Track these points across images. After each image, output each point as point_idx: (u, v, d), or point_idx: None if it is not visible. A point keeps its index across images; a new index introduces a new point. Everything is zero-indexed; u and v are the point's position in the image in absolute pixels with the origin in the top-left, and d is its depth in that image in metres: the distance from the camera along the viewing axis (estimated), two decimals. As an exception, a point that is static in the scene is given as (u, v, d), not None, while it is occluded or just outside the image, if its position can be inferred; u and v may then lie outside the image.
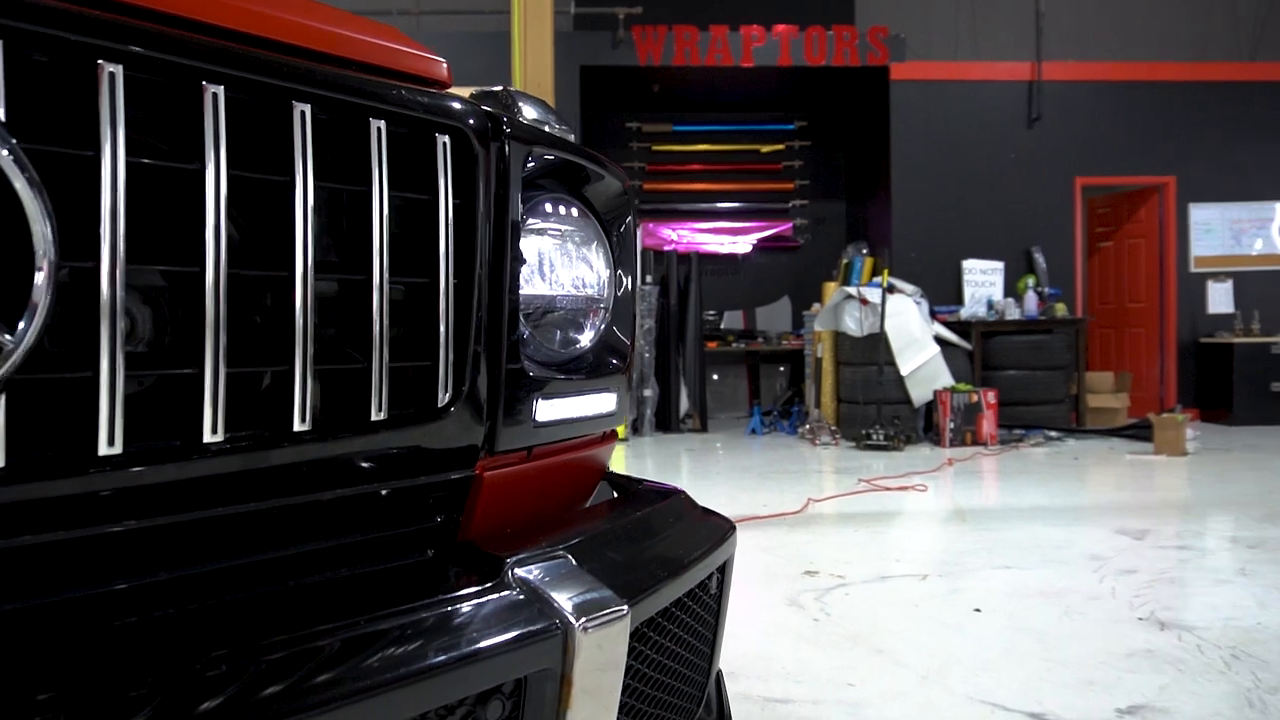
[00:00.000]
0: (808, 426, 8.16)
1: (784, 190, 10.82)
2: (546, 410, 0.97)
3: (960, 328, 8.38)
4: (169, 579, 0.69)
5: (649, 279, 8.86)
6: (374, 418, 0.79)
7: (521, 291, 0.96)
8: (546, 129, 1.06)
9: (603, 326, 1.12)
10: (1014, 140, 9.30)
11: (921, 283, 8.55)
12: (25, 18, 0.58)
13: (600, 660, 0.78)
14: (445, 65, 0.95)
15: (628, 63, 9.02)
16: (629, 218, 1.17)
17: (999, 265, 9.12)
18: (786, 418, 9.11)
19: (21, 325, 0.57)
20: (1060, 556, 3.72)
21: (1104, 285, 10.31)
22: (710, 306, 10.00)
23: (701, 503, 1.20)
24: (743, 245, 10.76)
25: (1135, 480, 5.79)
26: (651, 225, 10.34)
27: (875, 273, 8.93)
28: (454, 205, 0.85)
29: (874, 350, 7.63)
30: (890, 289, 7.73)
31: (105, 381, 0.62)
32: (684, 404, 8.87)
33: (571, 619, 0.77)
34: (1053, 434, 7.78)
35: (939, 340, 7.92)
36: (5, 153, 0.56)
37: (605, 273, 1.12)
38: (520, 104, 1.11)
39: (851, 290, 7.96)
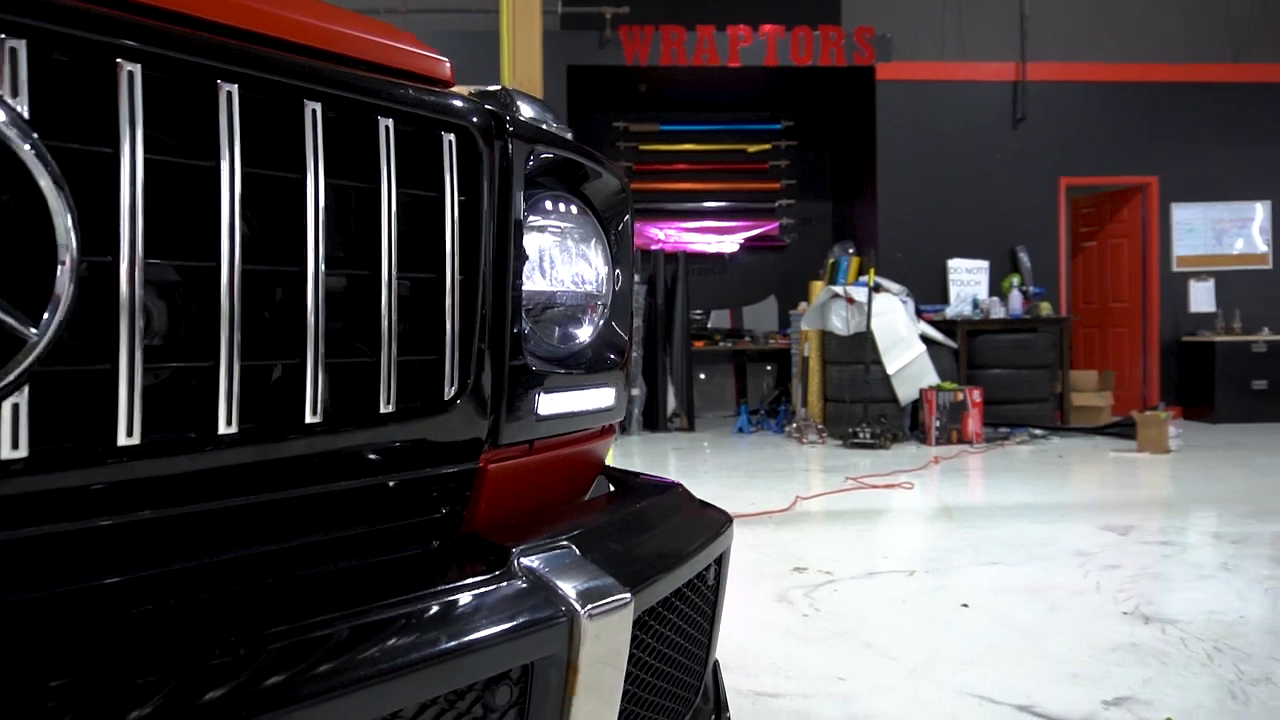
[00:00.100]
0: (795, 425, 8.20)
1: (770, 190, 10.86)
2: (548, 404, 0.99)
3: (946, 327, 8.44)
4: (184, 568, 0.70)
5: (636, 278, 8.87)
6: (382, 410, 0.80)
7: (523, 287, 0.98)
8: (545, 127, 1.08)
9: (601, 322, 1.13)
10: (999, 140, 9.37)
11: (907, 282, 8.61)
12: (48, 18, 0.59)
13: (605, 647, 0.80)
14: (448, 64, 0.96)
15: (615, 62, 9.04)
16: (627, 216, 1.18)
17: (984, 265, 9.19)
18: (773, 417, 9.15)
19: (46, 316, 0.58)
20: (1046, 553, 3.76)
21: (1088, 284, 10.39)
22: (697, 306, 10.02)
23: (693, 499, 1.22)
24: (729, 245, 10.79)
25: (1119, 477, 5.85)
26: (638, 225, 10.35)
27: (861, 272, 8.98)
28: (459, 202, 0.86)
29: (860, 349, 7.67)
30: (876, 288, 7.78)
31: (124, 374, 0.63)
32: (671, 403, 8.90)
33: (577, 606, 0.78)
34: (1037, 432, 7.84)
35: (925, 339, 7.97)
36: (29, 148, 0.58)
37: (604, 269, 1.14)
38: (519, 103, 1.13)
39: (838, 289, 8.00)
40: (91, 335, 0.64)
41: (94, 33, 0.62)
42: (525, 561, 0.82)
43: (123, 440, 0.64)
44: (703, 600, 1.11)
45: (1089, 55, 9.56)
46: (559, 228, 1.08)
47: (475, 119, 0.89)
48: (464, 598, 0.74)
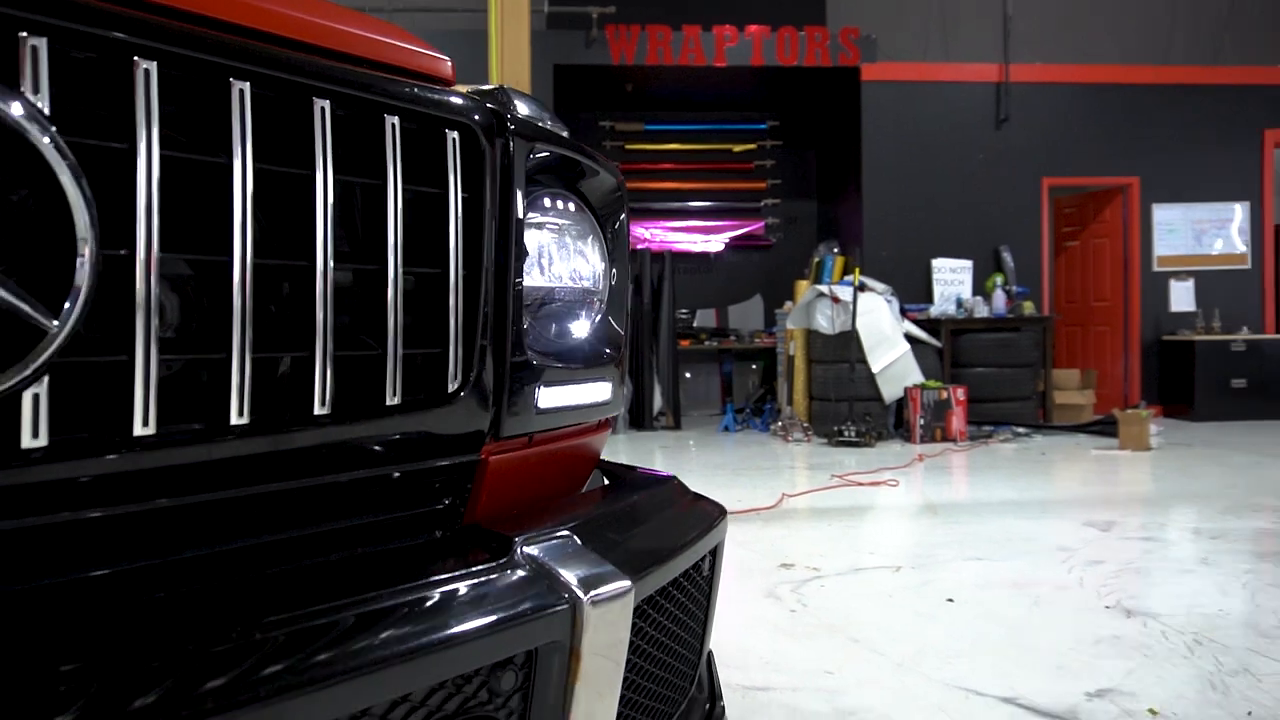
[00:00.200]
0: (780, 424, 8.24)
1: (756, 189, 10.91)
2: (547, 398, 1.00)
3: (930, 326, 8.50)
4: (197, 556, 0.71)
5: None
6: (389, 402, 0.82)
7: (523, 283, 0.99)
8: (542, 125, 1.10)
9: (598, 318, 1.15)
10: (983, 141, 9.44)
11: (892, 281, 8.67)
12: (68, 16, 0.61)
13: (606, 634, 0.82)
14: (449, 63, 0.98)
15: (601, 62, 9.05)
16: (622, 213, 1.20)
17: (968, 264, 9.25)
18: (759, 415, 9.19)
19: (66, 308, 0.60)
20: (1029, 548, 3.80)
21: (1070, 284, 10.49)
22: (683, 305, 10.06)
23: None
24: (715, 244, 10.83)
25: (1101, 474, 5.91)
26: (624, 224, 10.35)
27: (846, 271, 9.04)
28: (462, 199, 0.88)
29: (845, 348, 7.71)
30: (861, 287, 7.83)
31: (140, 365, 0.65)
32: (658, 402, 8.92)
33: (579, 594, 0.80)
34: (1021, 430, 7.90)
35: (909, 338, 8.03)
36: (49, 143, 0.59)
37: (600, 266, 1.16)
38: (515, 101, 1.15)
39: (823, 288, 8.05)
40: (107, 327, 0.65)
41: (111, 31, 0.63)
42: (528, 550, 0.84)
43: (139, 430, 0.65)
44: (698, 591, 1.13)
45: (1072, 57, 9.64)
46: (557, 224, 1.09)
47: (477, 117, 0.91)
48: (470, 585, 0.76)
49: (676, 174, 10.83)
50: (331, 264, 0.76)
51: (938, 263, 9.22)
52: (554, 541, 0.86)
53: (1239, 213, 9.65)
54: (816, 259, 9.57)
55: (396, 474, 0.86)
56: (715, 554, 1.16)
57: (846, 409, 7.60)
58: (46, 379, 0.61)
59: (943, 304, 9.02)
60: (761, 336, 10.11)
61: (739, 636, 2.71)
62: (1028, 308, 8.85)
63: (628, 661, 0.91)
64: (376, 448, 0.83)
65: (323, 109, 0.76)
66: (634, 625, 0.90)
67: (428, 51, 0.94)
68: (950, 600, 3.06)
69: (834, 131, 10.27)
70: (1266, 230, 9.70)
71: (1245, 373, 8.87)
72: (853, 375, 7.61)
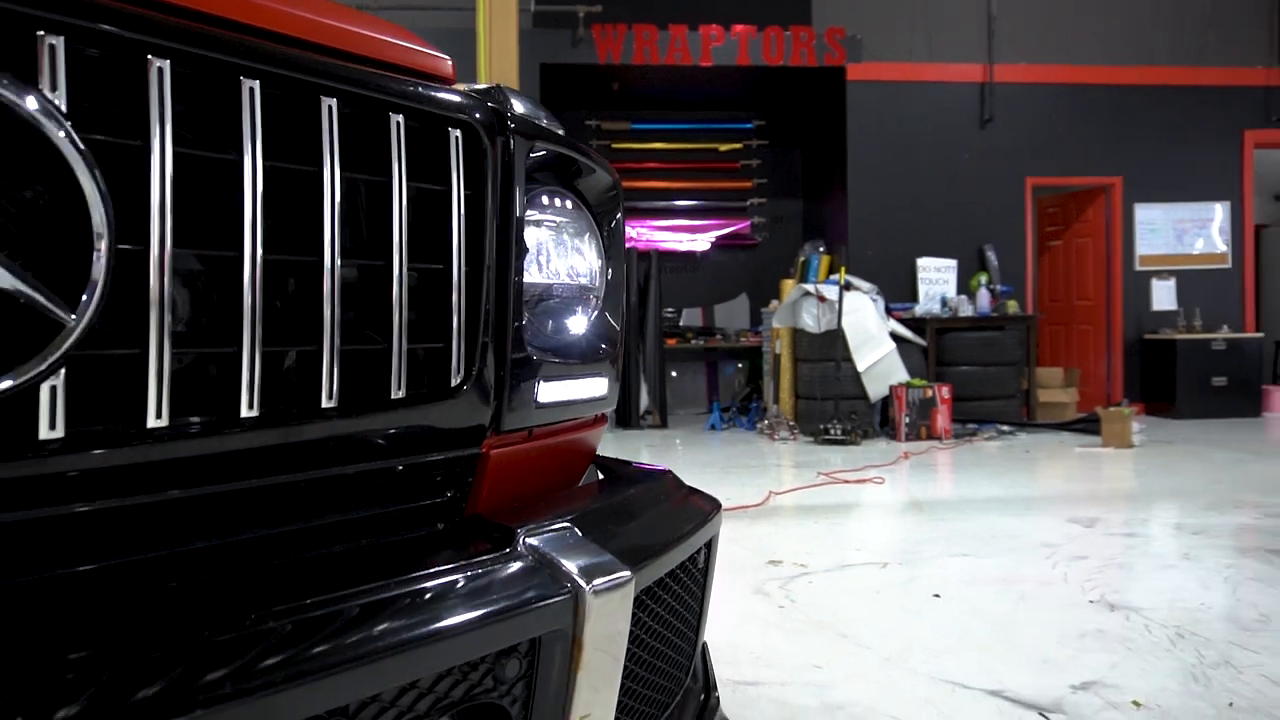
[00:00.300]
0: (766, 422, 8.27)
1: (742, 189, 10.94)
2: (546, 393, 1.02)
3: (915, 324, 8.55)
4: (206, 547, 0.73)
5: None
6: (394, 396, 0.83)
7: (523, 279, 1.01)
8: (540, 124, 1.11)
9: (595, 314, 1.17)
10: (967, 141, 9.50)
11: (877, 280, 8.72)
12: (84, 15, 0.62)
13: (607, 623, 0.84)
14: (450, 62, 0.99)
15: (587, 61, 9.06)
16: (618, 211, 1.22)
17: (952, 263, 9.31)
18: (745, 414, 9.22)
19: (84, 300, 0.61)
20: (1014, 545, 3.84)
21: (1053, 283, 10.57)
22: (669, 304, 10.08)
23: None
24: (701, 243, 10.85)
25: (1084, 472, 5.96)
26: (611, 223, 10.36)
27: (832, 270, 9.08)
28: (465, 196, 0.89)
29: (831, 347, 7.75)
30: (847, 286, 7.87)
31: (154, 358, 0.66)
32: (644, 400, 8.94)
33: (581, 583, 0.82)
34: (1005, 428, 7.96)
35: (895, 337, 8.07)
36: (66, 139, 0.60)
37: (597, 263, 1.17)
38: (512, 100, 1.16)
39: (809, 287, 8.08)
40: (120, 321, 0.66)
41: (126, 30, 0.64)
42: (530, 541, 0.85)
43: (152, 422, 0.66)
44: (694, 583, 1.14)
45: (1055, 57, 9.71)
46: (554, 222, 1.11)
47: (479, 115, 0.92)
48: (476, 575, 0.78)
49: (662, 173, 10.84)
50: (339, 260, 0.77)
51: (923, 262, 9.28)
52: (555, 533, 0.88)
53: (1220, 212, 9.75)
54: (802, 258, 9.61)
55: (400, 467, 0.87)
56: (710, 547, 1.18)
57: (832, 407, 7.64)
58: (63, 371, 0.62)
59: (928, 303, 9.08)
60: (747, 335, 10.14)
61: (728, 632, 2.73)
62: (1012, 307, 8.92)
63: (627, 651, 0.93)
64: (381, 441, 0.84)
65: (330, 107, 0.77)
66: (633, 615, 0.92)
67: (429, 51, 0.95)
68: (937, 596, 3.09)
69: (819, 131, 10.32)
70: (1247, 230, 9.80)
71: (1226, 371, 8.97)
72: (838, 374, 7.65)
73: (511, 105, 1.13)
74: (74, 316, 0.61)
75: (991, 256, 9.36)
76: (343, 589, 0.70)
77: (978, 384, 8.25)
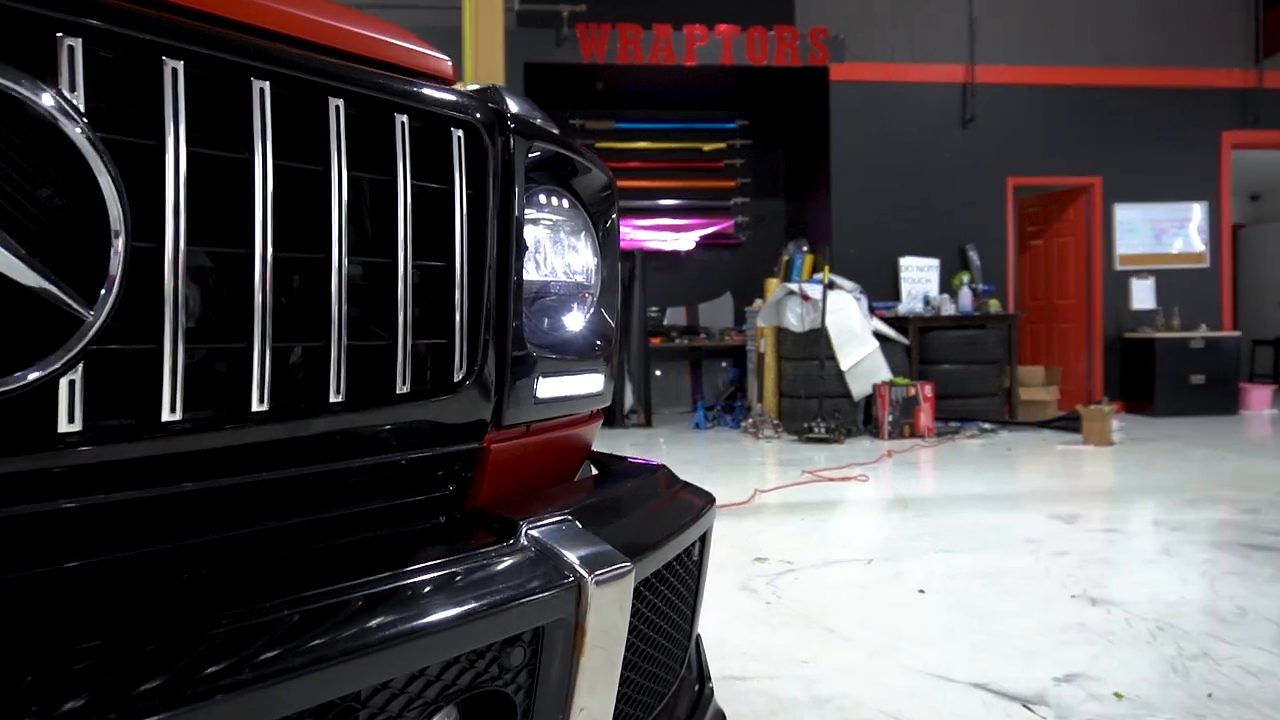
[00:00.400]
0: (750, 421, 8.30)
1: (726, 188, 10.97)
2: (545, 388, 1.04)
3: (898, 323, 8.61)
4: (217, 539, 0.74)
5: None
6: (398, 391, 0.85)
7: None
8: (538, 123, 1.13)
9: (591, 312, 1.19)
10: (949, 141, 9.57)
11: (860, 279, 8.77)
12: (102, 17, 0.63)
13: (608, 613, 0.86)
14: (450, 63, 1.01)
15: (571, 60, 9.07)
16: (613, 210, 1.24)
17: (935, 262, 9.38)
18: (729, 412, 9.25)
19: (102, 293, 0.62)
20: (997, 540, 3.88)
21: (1034, 282, 10.66)
22: (654, 303, 10.10)
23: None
24: (685, 242, 10.87)
25: (1066, 469, 6.03)
26: (595, 222, 10.36)
27: (815, 269, 9.13)
28: (467, 195, 0.91)
29: (815, 345, 7.79)
30: (831, 285, 7.91)
31: (169, 353, 0.67)
32: (629, 399, 8.96)
33: (583, 573, 0.84)
34: (987, 426, 8.03)
35: (878, 336, 8.13)
36: (84, 137, 0.62)
37: (593, 261, 1.19)
38: (507, 100, 1.18)
39: (793, 286, 8.12)
40: (134, 317, 0.67)
41: (141, 32, 0.66)
42: (532, 533, 0.87)
43: (167, 416, 0.68)
44: (689, 575, 1.17)
45: (1036, 59, 9.80)
46: (551, 220, 1.13)
47: (479, 115, 0.94)
48: (482, 565, 0.79)
49: (646, 172, 10.86)
50: (346, 257, 0.79)
51: (905, 261, 9.34)
52: (556, 525, 0.90)
53: (1197, 212, 9.86)
54: (786, 257, 9.65)
55: (404, 461, 0.89)
56: (704, 540, 1.20)
57: (816, 406, 7.68)
58: (81, 366, 0.63)
59: (910, 302, 9.14)
60: (731, 334, 10.18)
61: (717, 628, 2.75)
62: (993, 305, 8.99)
63: (626, 641, 0.94)
64: (386, 435, 0.86)
65: (337, 108, 0.78)
66: (632, 607, 0.94)
67: (431, 52, 0.97)
68: (921, 591, 3.12)
69: (803, 131, 10.36)
70: (1224, 230, 9.92)
71: (1204, 369, 9.07)
72: (822, 372, 7.69)
73: (508, 105, 1.15)
74: (92, 312, 0.62)
75: (973, 256, 9.43)
76: (352, 580, 0.72)
77: (960, 382, 8.31)
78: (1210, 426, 8.21)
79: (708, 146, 10.91)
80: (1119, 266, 9.80)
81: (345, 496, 0.84)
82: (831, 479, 5.63)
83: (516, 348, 0.99)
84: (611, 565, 0.86)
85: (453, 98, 0.91)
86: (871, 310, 8.52)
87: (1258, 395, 9.45)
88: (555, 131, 1.16)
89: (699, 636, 1.31)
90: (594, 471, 1.32)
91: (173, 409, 0.68)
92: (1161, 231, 9.84)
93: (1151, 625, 2.70)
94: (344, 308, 0.79)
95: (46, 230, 0.62)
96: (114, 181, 0.63)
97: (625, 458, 1.32)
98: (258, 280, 0.73)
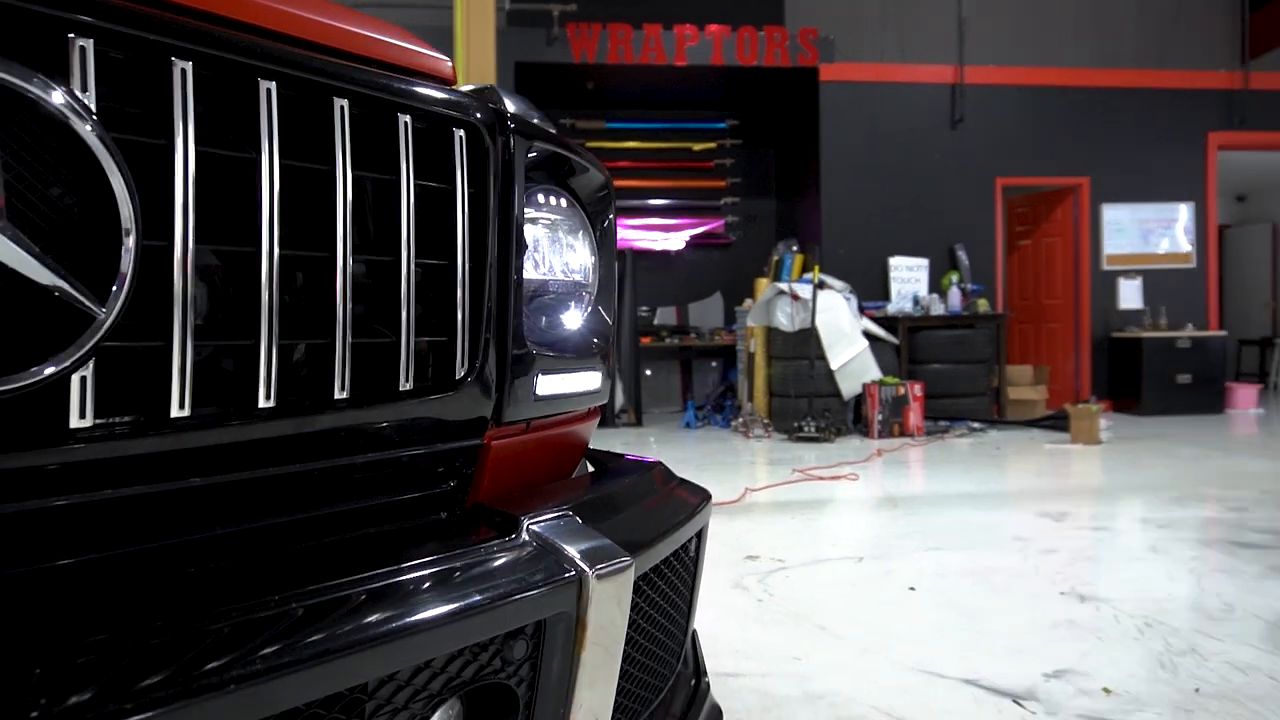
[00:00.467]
0: (741, 420, 8.32)
1: (716, 188, 10.98)
2: (544, 386, 1.05)
3: (887, 323, 8.64)
4: (224, 534, 0.75)
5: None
6: (402, 388, 0.86)
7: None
8: (536, 123, 1.14)
9: (588, 310, 1.20)
10: (938, 141, 9.60)
11: (850, 279, 8.79)
12: (112, 19, 0.64)
13: (609, 606, 0.87)
14: (450, 64, 1.02)
15: (562, 60, 9.07)
16: (610, 209, 1.25)
17: (924, 262, 9.41)
18: (720, 411, 9.27)
19: (114, 290, 0.63)
20: (986, 538, 3.91)
21: (1023, 282, 10.71)
22: (644, 302, 10.11)
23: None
24: (675, 242, 10.88)
25: (1054, 467, 6.06)
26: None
27: (805, 269, 9.16)
28: (469, 194, 0.92)
29: (805, 345, 7.82)
30: (821, 285, 7.93)
31: (177, 350, 0.68)
32: (619, 399, 8.97)
33: (585, 567, 0.85)
34: (976, 425, 8.07)
35: (867, 335, 8.15)
36: (96, 136, 0.63)
37: (590, 260, 1.20)
38: (505, 100, 1.19)
39: (783, 286, 8.14)
40: (143, 314, 0.68)
41: (151, 33, 0.67)
42: (534, 528, 0.88)
43: (175, 412, 0.69)
44: (685, 571, 1.18)
45: (1024, 60, 9.85)
46: (550, 219, 1.14)
47: (480, 115, 0.95)
48: (486, 559, 0.80)
49: (637, 172, 10.86)
50: (351, 255, 0.80)
51: (895, 261, 9.37)
52: (557, 520, 0.91)
53: (1184, 213, 9.92)
54: (776, 257, 9.67)
55: (406, 457, 0.90)
56: (700, 536, 1.22)
57: (806, 405, 7.70)
58: (92, 363, 0.64)
59: (900, 301, 9.18)
60: (722, 334, 10.20)
61: (709, 626, 2.76)
62: (982, 305, 9.03)
63: (625, 635, 0.96)
64: (390, 431, 0.87)
65: (342, 108, 0.79)
66: (631, 600, 0.95)
67: (431, 53, 0.98)
68: (912, 589, 3.14)
69: (793, 131, 10.39)
70: (1210, 230, 9.99)
71: (1190, 368, 9.13)
72: (812, 372, 7.72)
73: (506, 105, 1.16)
74: (104, 309, 0.63)
75: (962, 256, 9.47)
76: (358, 574, 0.73)
77: (949, 382, 8.35)
78: (1197, 425, 8.27)
79: (698, 146, 10.92)
80: (1106, 266, 9.86)
81: (348, 492, 0.85)
82: (822, 478, 5.65)
83: (517, 346, 1.00)
84: (612, 560, 0.88)
85: (454, 98, 0.92)
86: (861, 310, 8.55)
87: (1243, 394, 9.52)
88: (553, 131, 1.17)
89: (695, 632, 1.32)
90: (591, 469, 1.33)
91: (181, 405, 0.69)
92: (1149, 232, 9.90)
93: (1140, 622, 2.73)
94: (349, 305, 0.80)
95: (58, 229, 0.63)
96: (125, 180, 0.64)
97: (622, 455, 1.33)
98: (264, 278, 0.74)
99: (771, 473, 5.94)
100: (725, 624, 2.79)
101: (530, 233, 1.09)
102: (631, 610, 0.99)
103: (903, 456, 6.63)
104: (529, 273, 1.09)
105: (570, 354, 1.13)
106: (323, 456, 0.81)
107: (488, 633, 0.78)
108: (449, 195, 0.91)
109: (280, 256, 0.75)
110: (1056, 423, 7.83)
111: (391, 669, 0.70)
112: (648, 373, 10.37)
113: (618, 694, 0.94)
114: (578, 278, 1.18)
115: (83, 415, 0.64)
